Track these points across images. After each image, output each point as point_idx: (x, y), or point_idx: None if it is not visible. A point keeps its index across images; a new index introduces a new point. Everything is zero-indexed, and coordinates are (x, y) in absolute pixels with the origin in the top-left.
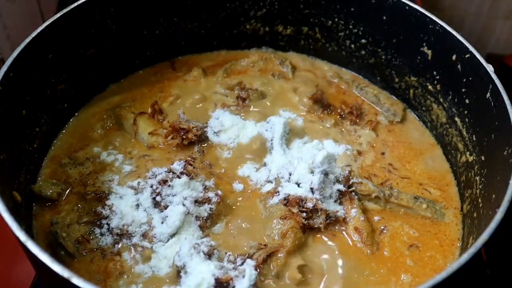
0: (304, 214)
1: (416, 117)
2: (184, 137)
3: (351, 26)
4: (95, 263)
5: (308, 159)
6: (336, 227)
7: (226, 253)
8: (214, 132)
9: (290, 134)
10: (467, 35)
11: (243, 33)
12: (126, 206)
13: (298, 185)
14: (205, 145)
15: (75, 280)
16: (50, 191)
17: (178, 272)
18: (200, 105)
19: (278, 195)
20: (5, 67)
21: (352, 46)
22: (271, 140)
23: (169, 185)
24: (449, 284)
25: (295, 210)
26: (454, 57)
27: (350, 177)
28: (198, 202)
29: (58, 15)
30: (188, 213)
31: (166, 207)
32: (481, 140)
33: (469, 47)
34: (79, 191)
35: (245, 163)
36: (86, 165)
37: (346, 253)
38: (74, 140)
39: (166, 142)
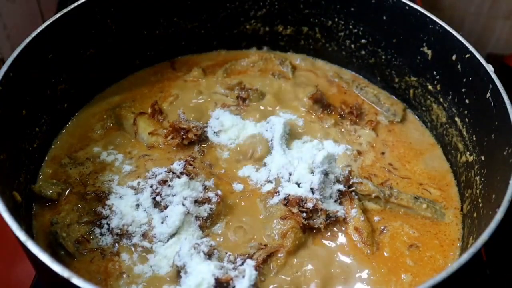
0: (304, 214)
1: (416, 117)
2: (184, 137)
3: (351, 26)
4: (95, 263)
5: (308, 159)
6: (336, 227)
7: (226, 253)
8: (214, 132)
9: (290, 134)
10: (467, 35)
11: (243, 33)
12: (126, 206)
13: (298, 185)
14: (205, 145)
15: (75, 280)
16: (50, 191)
17: (178, 272)
18: (200, 105)
19: (278, 195)
20: (5, 67)
21: (352, 46)
22: (271, 140)
23: (169, 185)
24: (449, 284)
25: (295, 210)
26: (454, 57)
27: (350, 177)
28: (198, 202)
29: (58, 15)
30: (188, 213)
31: (166, 207)
32: (481, 140)
33: (469, 47)
34: (79, 191)
35: (245, 163)
36: (86, 165)
37: (346, 253)
38: (74, 140)
39: (166, 142)
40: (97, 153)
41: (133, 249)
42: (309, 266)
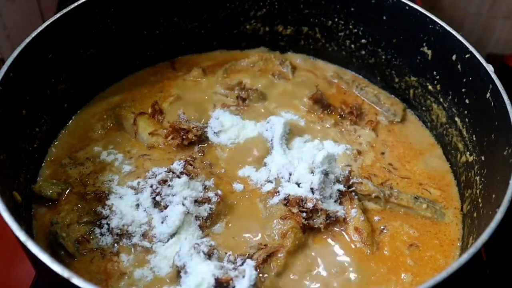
0: (304, 214)
1: (416, 117)
2: (184, 137)
3: (351, 26)
4: (95, 263)
5: (308, 159)
6: (336, 227)
7: (226, 253)
8: (214, 132)
9: (290, 134)
10: (467, 35)
11: (243, 33)
12: (126, 206)
13: (298, 185)
14: (205, 145)
15: (75, 280)
16: (50, 191)
17: (178, 272)
18: (200, 105)
19: (278, 195)
20: (5, 67)
21: (352, 46)
22: (271, 140)
23: (169, 185)
24: (449, 284)
25: (295, 210)
26: (454, 57)
27: (350, 177)
28: (198, 202)
29: (58, 15)
30: (188, 213)
31: (166, 207)
32: (481, 140)
33: (469, 47)
34: (79, 191)
35: (245, 163)
36: (86, 165)
37: (346, 253)
38: (74, 140)
39: (166, 142)
40: (97, 153)
41: (133, 249)
42: (309, 266)
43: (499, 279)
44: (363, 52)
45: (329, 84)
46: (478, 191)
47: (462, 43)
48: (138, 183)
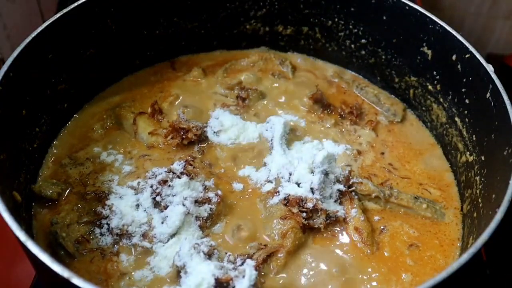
0: (304, 214)
1: (416, 117)
2: (184, 137)
3: (351, 26)
4: (95, 263)
5: (308, 159)
6: (336, 227)
7: (226, 253)
8: (214, 132)
9: (290, 134)
10: (467, 35)
11: (243, 33)
12: (126, 206)
13: (298, 185)
14: (205, 145)
15: (75, 280)
16: (50, 191)
17: (178, 272)
18: (200, 105)
19: (278, 195)
20: (5, 67)
21: (352, 46)
22: (271, 140)
23: (169, 185)
24: (449, 284)
25: (295, 210)
26: (454, 57)
27: (350, 177)
28: (198, 202)
29: (58, 15)
30: (188, 213)
31: (166, 207)
32: (481, 140)
33: (469, 47)
34: (79, 191)
35: (245, 163)
36: (86, 165)
37: (346, 253)
38: (74, 140)
39: (166, 142)
40: (97, 153)
41: (133, 249)
42: (309, 266)
43: (499, 279)
44: (363, 52)
45: (329, 84)
46: (478, 191)
47: (462, 43)
48: (138, 183)
